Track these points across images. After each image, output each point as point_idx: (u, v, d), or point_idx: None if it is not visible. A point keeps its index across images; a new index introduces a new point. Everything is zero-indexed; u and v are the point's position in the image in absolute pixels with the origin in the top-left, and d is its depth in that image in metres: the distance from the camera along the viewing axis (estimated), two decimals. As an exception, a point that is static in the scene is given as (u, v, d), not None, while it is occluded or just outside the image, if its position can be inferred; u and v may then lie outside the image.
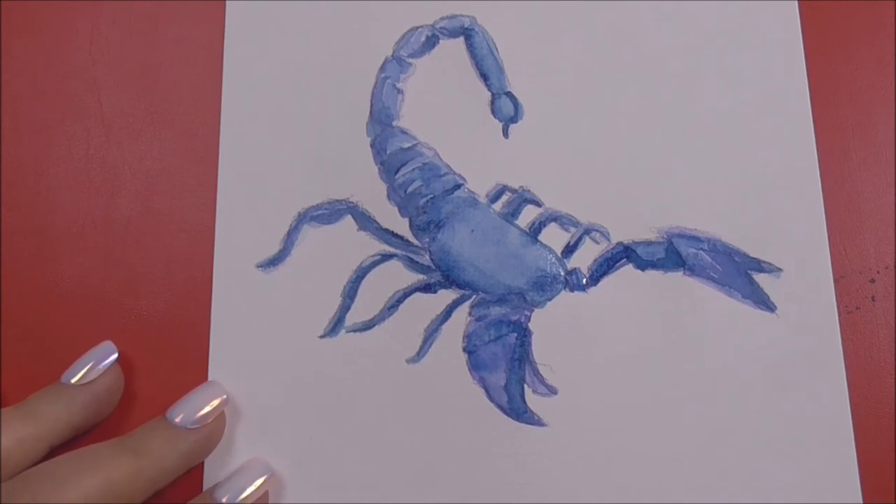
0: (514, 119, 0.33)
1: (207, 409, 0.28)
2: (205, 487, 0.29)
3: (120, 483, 0.25)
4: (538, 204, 0.32)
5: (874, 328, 0.31)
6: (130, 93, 0.33)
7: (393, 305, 0.31)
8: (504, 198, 0.32)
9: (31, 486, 0.24)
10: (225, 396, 0.29)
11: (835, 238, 0.32)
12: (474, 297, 0.31)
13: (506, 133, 0.33)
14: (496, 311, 0.31)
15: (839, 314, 0.31)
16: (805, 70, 0.33)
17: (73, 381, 0.28)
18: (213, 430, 0.29)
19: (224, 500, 0.27)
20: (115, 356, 0.29)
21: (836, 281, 0.31)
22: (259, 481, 0.28)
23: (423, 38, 0.33)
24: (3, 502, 0.24)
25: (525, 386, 0.30)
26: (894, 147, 0.32)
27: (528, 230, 0.32)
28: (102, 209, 0.32)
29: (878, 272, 0.31)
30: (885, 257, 0.31)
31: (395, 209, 0.32)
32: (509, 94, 0.33)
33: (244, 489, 0.28)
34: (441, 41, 0.34)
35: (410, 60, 0.33)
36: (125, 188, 0.32)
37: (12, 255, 0.32)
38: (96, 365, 0.28)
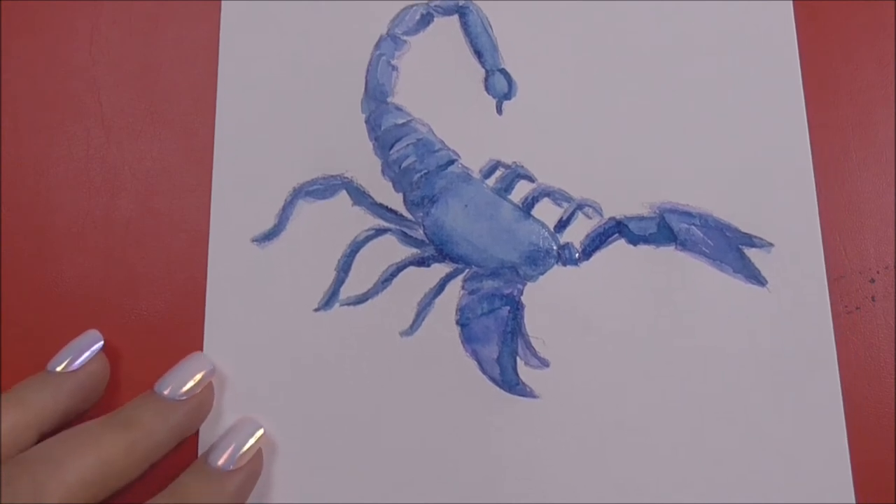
0: (507, 96, 0.33)
1: (194, 380, 0.28)
2: None
3: (115, 459, 0.25)
4: (531, 179, 0.32)
5: (874, 328, 0.31)
6: (130, 93, 0.33)
7: (387, 279, 0.31)
8: (497, 173, 0.32)
9: (30, 468, 0.24)
10: (211, 367, 0.29)
11: (834, 238, 0.32)
12: (467, 270, 0.31)
13: (499, 109, 0.33)
14: (489, 285, 0.31)
15: (838, 314, 0.31)
16: (796, 44, 0.33)
17: (59, 369, 0.28)
18: (203, 401, 0.29)
19: (220, 463, 0.27)
20: (100, 344, 0.29)
21: (835, 281, 0.31)
22: (252, 440, 0.28)
23: (417, 16, 0.34)
24: (3, 486, 0.24)
25: (517, 358, 0.31)
26: (894, 147, 0.32)
27: (521, 205, 0.32)
28: (102, 209, 0.32)
29: (877, 272, 0.31)
30: (885, 257, 0.32)
31: (390, 184, 0.32)
32: (503, 71, 0.33)
33: (239, 450, 0.28)
34: (436, 19, 0.34)
35: (405, 38, 0.34)
36: (125, 188, 0.32)
37: (12, 255, 0.32)
38: (81, 353, 0.29)
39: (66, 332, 0.31)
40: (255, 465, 0.28)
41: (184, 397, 0.28)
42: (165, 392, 0.28)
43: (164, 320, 0.31)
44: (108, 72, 0.34)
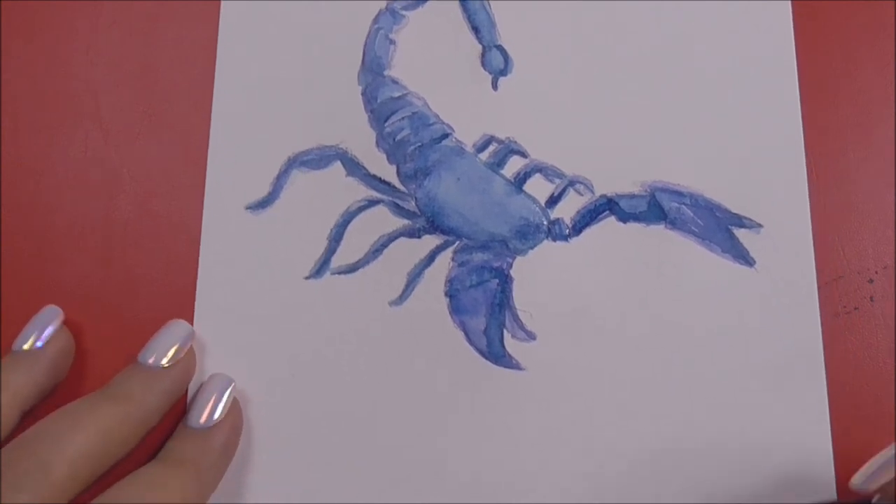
0: (503, 72, 0.33)
1: (176, 346, 0.29)
2: None
3: (112, 430, 0.26)
4: (524, 155, 0.32)
5: (873, 328, 0.31)
6: (129, 94, 0.33)
7: (378, 249, 0.32)
8: (490, 148, 0.33)
9: (31, 448, 0.25)
10: (190, 331, 0.29)
11: (833, 238, 0.32)
12: (458, 242, 0.32)
13: (495, 85, 0.33)
14: (479, 258, 0.31)
15: (837, 315, 0.31)
16: (791, 26, 0.33)
17: (25, 346, 0.28)
18: (187, 365, 0.29)
19: (201, 421, 0.28)
20: (61, 318, 0.29)
21: (834, 281, 0.31)
22: (226, 394, 0.29)
23: (416, -9, 0.34)
24: (8, 467, 0.24)
25: (504, 331, 0.31)
26: (893, 147, 0.32)
27: (513, 180, 0.32)
28: (101, 211, 0.32)
29: (876, 272, 0.31)
30: (884, 257, 0.32)
31: (384, 156, 0.33)
32: (500, 48, 0.33)
33: (216, 406, 0.28)
34: (435, -6, 0.34)
35: (404, 13, 0.34)
36: (123, 190, 0.33)
37: (12, 256, 0.32)
38: (44, 328, 0.29)
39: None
40: (235, 418, 0.29)
41: (169, 364, 0.28)
42: (150, 361, 0.28)
43: (164, 321, 0.31)
44: (106, 73, 0.34)
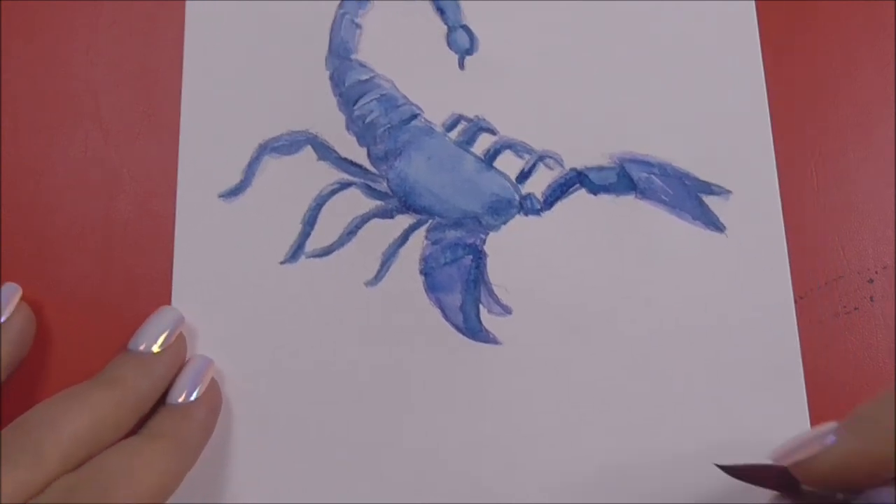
0: (469, 51, 0.33)
1: (166, 333, 0.29)
2: None
3: (106, 416, 0.26)
4: (493, 132, 0.33)
5: (872, 328, 0.31)
6: (129, 95, 0.33)
7: (352, 231, 0.32)
8: (460, 127, 0.33)
9: (29, 431, 0.25)
10: (180, 317, 0.30)
11: (833, 238, 0.32)
12: (431, 221, 0.32)
13: (461, 65, 0.33)
14: (452, 235, 0.32)
15: (837, 315, 0.31)
16: (753, 6, 0.34)
17: None
18: (178, 350, 0.29)
19: (180, 399, 0.28)
20: (19, 293, 0.30)
21: (834, 281, 0.31)
22: (203, 376, 0.29)
23: (380, -25, 0.34)
24: (4, 446, 0.25)
25: (480, 306, 0.31)
26: (893, 147, 0.33)
27: (483, 157, 0.33)
28: (101, 211, 0.32)
29: (876, 272, 0.32)
30: (884, 257, 0.32)
31: (354, 139, 0.33)
32: (465, 27, 0.34)
33: (195, 384, 0.29)
34: (398, -22, 0.34)
35: (368, -3, 0.34)
36: (124, 190, 0.33)
37: (12, 256, 0.32)
38: (6, 304, 0.29)
39: (65, 333, 0.31)
40: (213, 397, 0.29)
41: (159, 349, 0.29)
42: (141, 348, 0.29)
43: None
44: (106, 73, 0.34)
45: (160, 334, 0.29)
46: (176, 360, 0.29)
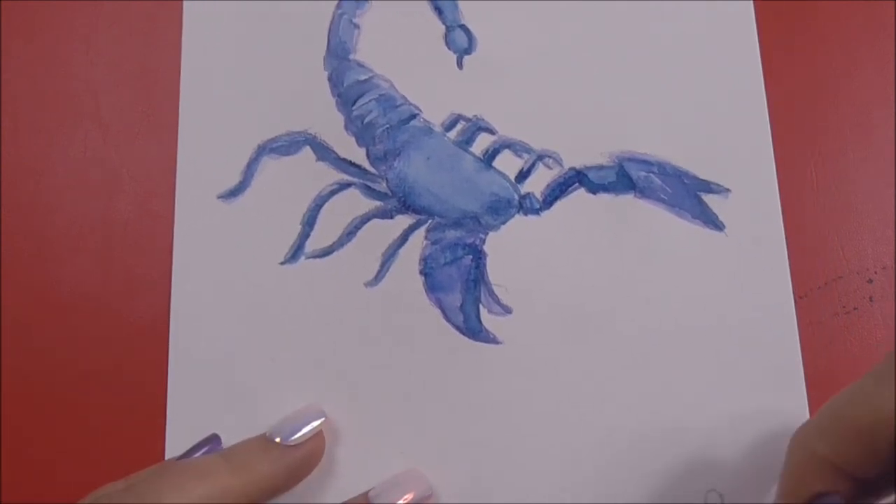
0: (468, 50, 0.33)
1: (307, 428, 0.29)
2: (167, 452, 0.30)
3: (217, 496, 0.26)
4: (492, 132, 0.33)
5: (872, 328, 0.31)
6: (128, 95, 0.33)
7: (351, 231, 0.32)
8: (459, 126, 0.33)
9: (157, 488, 0.25)
10: (324, 418, 0.29)
11: (832, 238, 0.32)
12: (430, 221, 0.32)
13: (460, 64, 0.33)
14: (452, 235, 0.32)
15: (836, 315, 0.31)
16: (752, 4, 0.34)
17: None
18: (314, 448, 0.29)
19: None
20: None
21: (833, 281, 0.31)
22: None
23: (378, -25, 0.34)
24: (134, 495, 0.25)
25: (480, 306, 0.31)
26: (893, 147, 0.33)
27: (482, 157, 0.32)
28: (101, 211, 0.32)
29: (875, 272, 0.32)
30: (884, 257, 0.32)
31: (353, 139, 0.33)
32: (463, 27, 0.34)
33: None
34: (396, -23, 0.34)
35: (366, -3, 0.34)
36: (123, 190, 0.33)
37: (12, 256, 0.32)
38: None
39: (65, 333, 0.31)
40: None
41: (295, 443, 0.28)
42: (277, 439, 0.28)
43: (163, 322, 0.31)
44: (106, 73, 0.34)
45: (299, 429, 0.28)
46: (311, 458, 0.29)
